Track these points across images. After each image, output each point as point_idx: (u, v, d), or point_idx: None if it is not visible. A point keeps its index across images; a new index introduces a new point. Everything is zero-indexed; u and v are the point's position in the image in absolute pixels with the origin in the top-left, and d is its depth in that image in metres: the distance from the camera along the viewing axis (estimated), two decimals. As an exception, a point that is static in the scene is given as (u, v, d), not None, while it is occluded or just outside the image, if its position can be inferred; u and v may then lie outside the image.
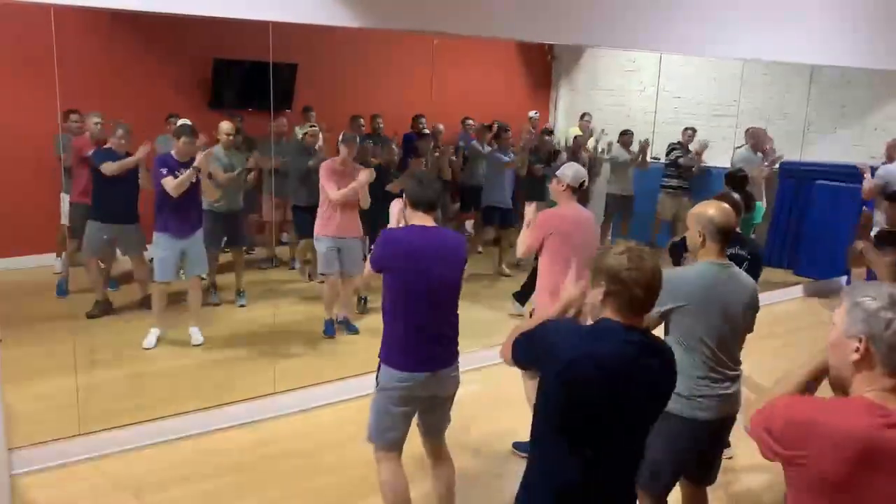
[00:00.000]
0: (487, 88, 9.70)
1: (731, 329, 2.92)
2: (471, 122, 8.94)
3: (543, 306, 3.84)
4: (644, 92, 9.74)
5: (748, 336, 3.08)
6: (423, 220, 3.12)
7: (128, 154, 5.66)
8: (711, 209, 2.96)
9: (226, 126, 6.29)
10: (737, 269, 3.05)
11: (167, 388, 4.95)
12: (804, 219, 8.78)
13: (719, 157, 8.41)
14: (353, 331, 6.04)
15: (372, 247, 3.47)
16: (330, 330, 5.91)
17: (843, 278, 7.81)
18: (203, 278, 6.05)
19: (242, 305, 6.48)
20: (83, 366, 4.56)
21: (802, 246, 8.78)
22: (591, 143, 9.15)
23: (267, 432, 4.43)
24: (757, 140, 7.98)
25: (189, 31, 6.90)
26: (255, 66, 7.10)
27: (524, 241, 4.13)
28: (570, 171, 4.16)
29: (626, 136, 8.71)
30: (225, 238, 6.46)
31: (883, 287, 1.69)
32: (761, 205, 7.14)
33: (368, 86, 8.77)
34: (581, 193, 4.21)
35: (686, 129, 8.82)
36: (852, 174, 8.49)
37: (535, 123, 9.56)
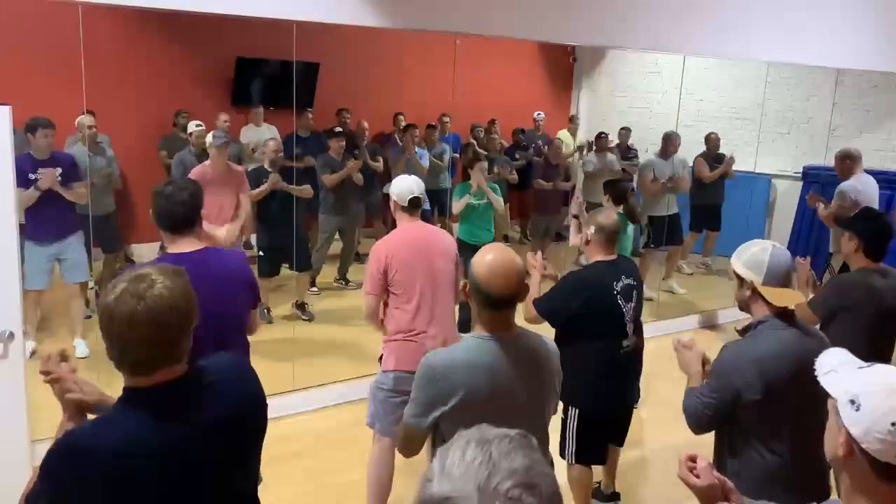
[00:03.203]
0: (509, 89, 9.68)
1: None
2: (402, 116, 8.59)
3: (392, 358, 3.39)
4: (666, 94, 9.67)
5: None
6: (185, 245, 2.67)
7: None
8: (484, 259, 2.15)
9: (87, 119, 5.59)
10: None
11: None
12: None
13: (746, 162, 8.34)
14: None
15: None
16: None
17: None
18: (93, 287, 5.63)
19: None
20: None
21: (825, 252, 8.68)
22: (573, 146, 9.15)
23: (288, 428, 4.45)
24: (666, 144, 7.70)
25: (213, 29, 6.94)
26: (278, 65, 7.16)
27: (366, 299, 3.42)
28: (395, 187, 3.52)
29: (601, 140, 8.54)
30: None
31: None
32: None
33: (390, 85, 8.79)
34: (417, 210, 3.53)
35: (621, 129, 8.92)
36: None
37: (540, 125, 9.53)
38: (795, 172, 9.11)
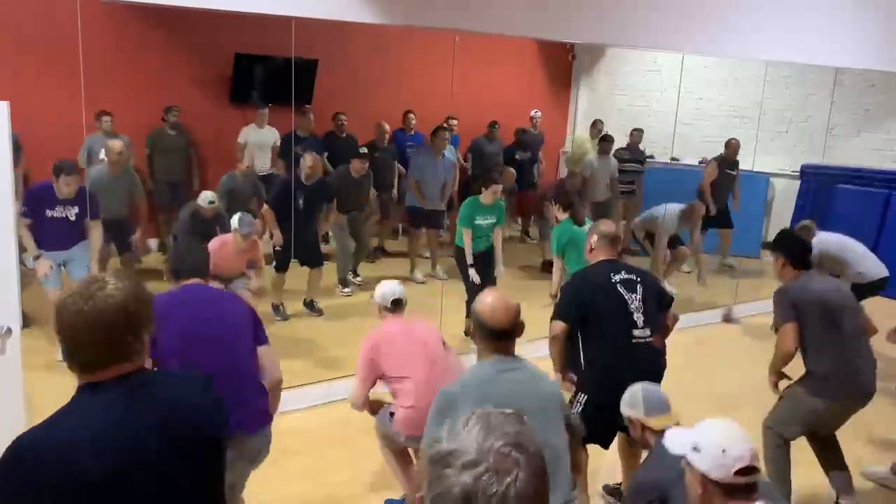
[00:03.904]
0: (508, 87, 9.68)
1: None
2: (412, 115, 8.67)
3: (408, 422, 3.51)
4: (665, 93, 9.68)
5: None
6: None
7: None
8: (485, 300, 2.53)
9: (117, 146, 5.75)
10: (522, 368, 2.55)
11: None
12: (825, 223, 8.66)
13: (744, 160, 8.32)
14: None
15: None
16: None
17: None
18: None
19: None
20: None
21: (823, 250, 8.70)
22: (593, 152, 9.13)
23: (284, 425, 4.44)
24: (691, 213, 7.66)
25: (211, 25, 6.93)
26: (277, 62, 7.14)
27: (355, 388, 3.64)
28: (378, 291, 3.81)
29: (605, 143, 8.53)
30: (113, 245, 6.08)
31: None
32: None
33: (389, 82, 8.78)
34: (400, 309, 3.80)
35: (633, 130, 8.88)
36: (875, 179, 8.41)
37: (537, 123, 9.52)
38: (793, 171, 9.13)
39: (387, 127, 8.09)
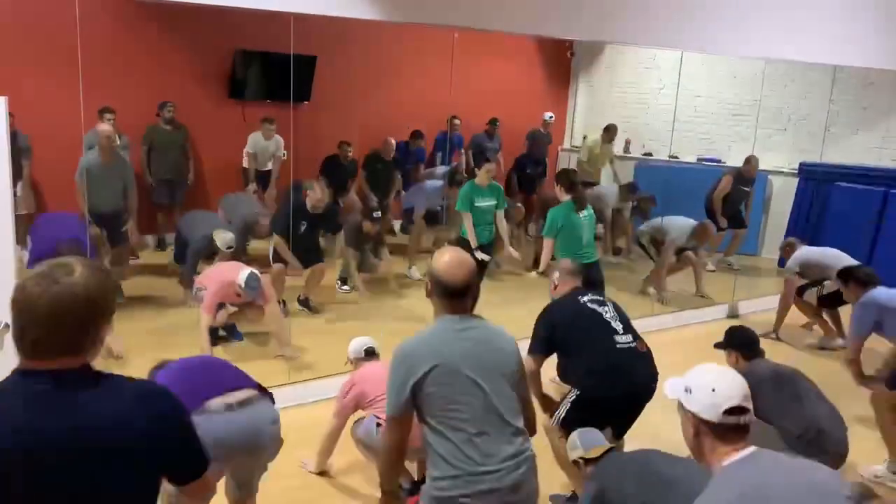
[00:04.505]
0: (506, 84, 9.67)
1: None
2: (423, 140, 8.75)
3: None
4: (663, 90, 9.69)
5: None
6: None
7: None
8: (442, 258, 2.51)
9: (106, 129, 5.77)
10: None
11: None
12: (823, 221, 8.69)
13: (742, 158, 8.33)
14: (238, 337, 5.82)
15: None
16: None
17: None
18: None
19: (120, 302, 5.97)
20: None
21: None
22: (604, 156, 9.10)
23: (282, 421, 4.45)
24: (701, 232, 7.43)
25: (210, 21, 6.93)
26: (275, 58, 7.14)
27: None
28: (351, 346, 3.96)
29: (628, 193, 8.45)
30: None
31: None
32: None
33: (389, 79, 8.78)
34: (374, 356, 3.92)
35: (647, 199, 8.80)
36: (873, 177, 8.41)
37: (549, 127, 9.51)
38: (792, 169, 9.13)
39: (393, 143, 8.10)
